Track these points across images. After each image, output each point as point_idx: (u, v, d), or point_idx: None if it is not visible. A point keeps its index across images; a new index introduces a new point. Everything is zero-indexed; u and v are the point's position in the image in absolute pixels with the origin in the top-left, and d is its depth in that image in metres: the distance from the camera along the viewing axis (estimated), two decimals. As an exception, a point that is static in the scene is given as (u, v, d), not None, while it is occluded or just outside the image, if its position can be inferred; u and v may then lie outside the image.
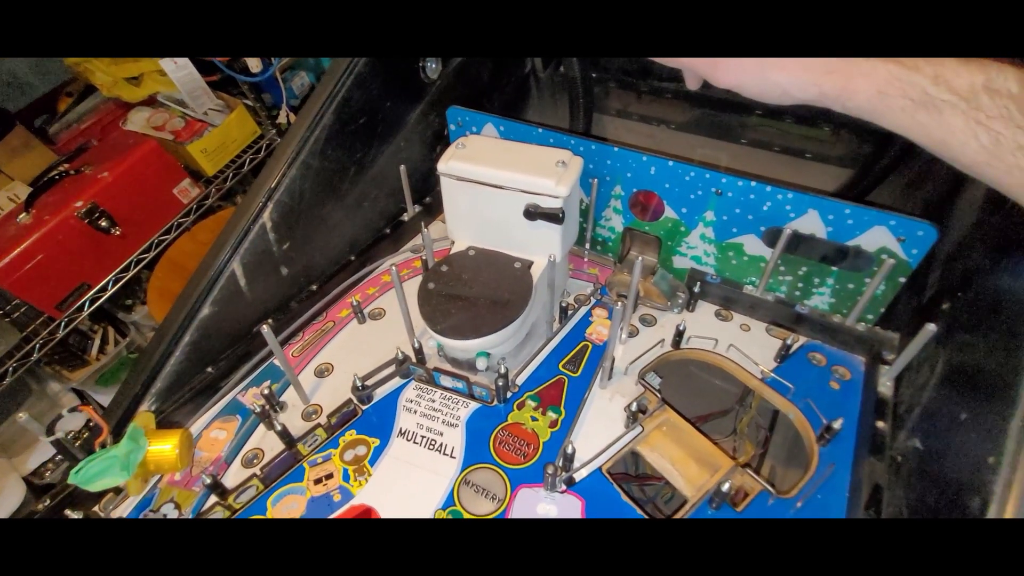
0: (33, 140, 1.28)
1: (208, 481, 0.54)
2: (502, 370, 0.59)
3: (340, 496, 0.55)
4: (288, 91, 1.38)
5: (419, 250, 0.84)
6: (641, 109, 0.99)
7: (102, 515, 0.56)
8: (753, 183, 0.60)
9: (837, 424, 0.53)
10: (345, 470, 0.57)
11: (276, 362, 0.69)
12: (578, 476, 0.55)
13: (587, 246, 0.80)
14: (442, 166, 0.63)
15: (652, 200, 0.69)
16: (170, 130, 1.31)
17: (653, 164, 0.65)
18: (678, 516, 0.52)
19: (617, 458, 0.56)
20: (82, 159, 1.22)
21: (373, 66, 0.72)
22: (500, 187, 0.61)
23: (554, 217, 0.60)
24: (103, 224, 1.14)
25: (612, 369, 0.62)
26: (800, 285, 0.65)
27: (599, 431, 0.58)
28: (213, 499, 0.56)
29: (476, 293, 0.62)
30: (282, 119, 1.39)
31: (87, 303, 1.16)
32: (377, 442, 0.59)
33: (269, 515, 0.54)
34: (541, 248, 0.64)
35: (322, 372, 0.68)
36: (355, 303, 0.72)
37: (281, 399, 0.65)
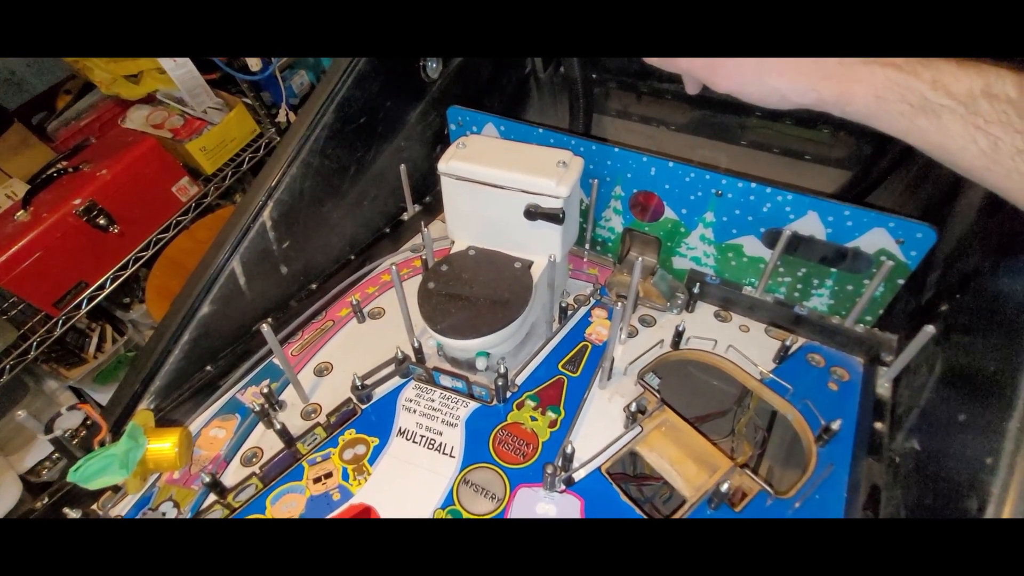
0: (31, 137, 1.28)
1: (207, 479, 0.54)
2: (502, 370, 0.59)
3: (339, 495, 0.55)
4: (287, 90, 1.37)
5: (419, 249, 0.84)
6: (641, 110, 0.99)
7: (100, 513, 0.56)
8: (753, 184, 0.60)
9: (835, 425, 0.53)
10: (344, 469, 0.57)
11: (275, 361, 0.69)
12: (577, 476, 0.55)
13: (587, 246, 0.80)
14: (443, 166, 0.63)
15: (652, 201, 0.69)
16: (169, 128, 1.30)
17: (653, 165, 0.66)
18: (677, 516, 0.52)
19: (616, 458, 0.56)
20: (80, 157, 1.22)
21: (374, 66, 0.72)
22: (501, 187, 0.61)
23: (554, 217, 0.60)
24: (101, 222, 1.13)
25: (611, 369, 0.62)
26: (799, 286, 0.65)
27: (598, 431, 0.59)
28: (212, 497, 0.56)
29: (476, 293, 0.62)
30: (281, 118, 1.39)
31: (85, 301, 1.16)
32: (376, 441, 0.59)
33: (268, 514, 0.54)
34: (541, 248, 0.64)
35: (321, 371, 0.68)
36: (355, 302, 0.72)
37: (280, 398, 0.65)
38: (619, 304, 0.57)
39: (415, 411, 0.62)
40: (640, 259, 0.61)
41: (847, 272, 0.61)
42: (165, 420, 0.62)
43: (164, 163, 1.24)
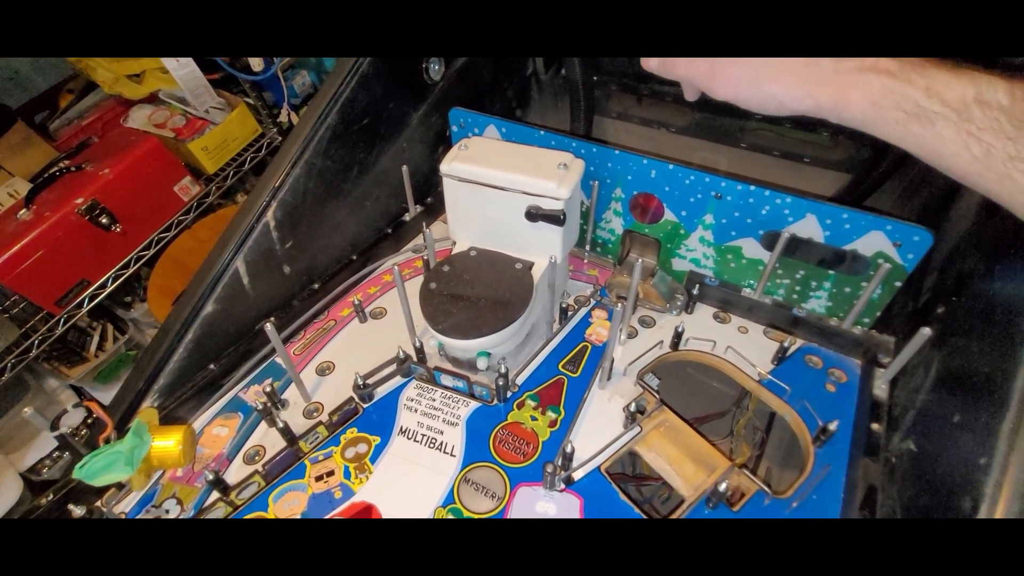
0: (34, 136, 1.28)
1: (210, 477, 0.54)
2: (502, 370, 0.59)
3: (341, 493, 0.55)
4: (289, 90, 1.38)
5: (420, 250, 0.85)
6: (642, 112, 1.00)
7: (104, 510, 0.56)
8: (752, 187, 0.61)
9: (833, 426, 0.54)
10: (346, 467, 0.57)
11: (278, 360, 0.69)
12: (577, 475, 0.55)
13: (587, 248, 0.80)
14: (445, 167, 0.64)
15: (652, 203, 0.69)
16: (171, 128, 1.31)
17: (653, 167, 0.66)
18: (675, 516, 0.53)
19: (615, 458, 0.57)
20: (83, 156, 1.22)
21: (377, 67, 0.72)
22: (502, 188, 0.62)
23: (555, 219, 0.61)
24: (103, 221, 1.14)
25: (611, 370, 0.63)
26: (797, 288, 0.66)
27: (598, 431, 0.59)
28: (215, 495, 0.56)
29: (477, 293, 0.62)
30: (283, 118, 1.40)
31: (86, 300, 1.16)
32: (378, 440, 0.60)
33: (270, 512, 0.55)
34: (542, 249, 0.65)
35: (323, 370, 0.68)
36: (357, 302, 0.73)
37: (283, 397, 0.65)
38: (619, 305, 0.57)
39: (416, 410, 0.62)
40: (640, 260, 0.61)
41: (845, 274, 0.62)
42: (169, 418, 0.62)
43: (166, 162, 1.24)
